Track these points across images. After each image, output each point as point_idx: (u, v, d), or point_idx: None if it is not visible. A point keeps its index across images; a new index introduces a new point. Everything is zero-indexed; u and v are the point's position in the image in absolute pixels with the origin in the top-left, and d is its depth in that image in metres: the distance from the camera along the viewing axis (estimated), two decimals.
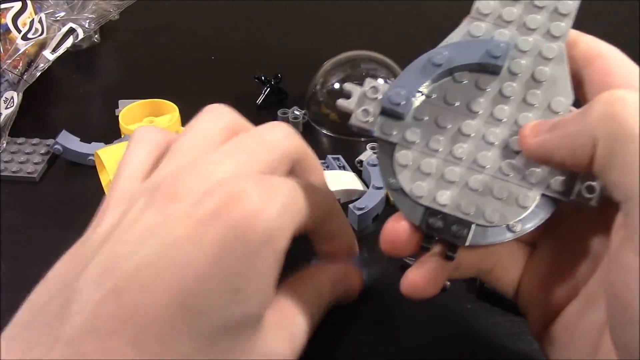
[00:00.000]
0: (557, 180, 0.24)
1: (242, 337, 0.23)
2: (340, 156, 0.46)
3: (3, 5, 0.57)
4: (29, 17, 0.58)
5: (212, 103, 0.29)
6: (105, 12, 0.61)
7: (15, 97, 0.51)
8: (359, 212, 0.40)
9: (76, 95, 0.57)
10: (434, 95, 0.26)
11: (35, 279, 0.24)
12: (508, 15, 0.26)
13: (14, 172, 0.46)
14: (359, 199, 0.41)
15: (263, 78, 0.54)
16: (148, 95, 0.52)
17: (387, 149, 0.26)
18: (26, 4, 0.58)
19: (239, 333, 0.23)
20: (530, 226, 0.25)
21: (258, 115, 0.53)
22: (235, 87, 0.57)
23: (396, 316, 0.35)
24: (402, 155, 0.25)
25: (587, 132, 0.21)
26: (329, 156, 0.46)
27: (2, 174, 0.46)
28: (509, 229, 0.25)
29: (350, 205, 0.40)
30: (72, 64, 0.61)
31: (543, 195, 0.25)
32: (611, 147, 0.20)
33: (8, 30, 0.57)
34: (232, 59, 0.63)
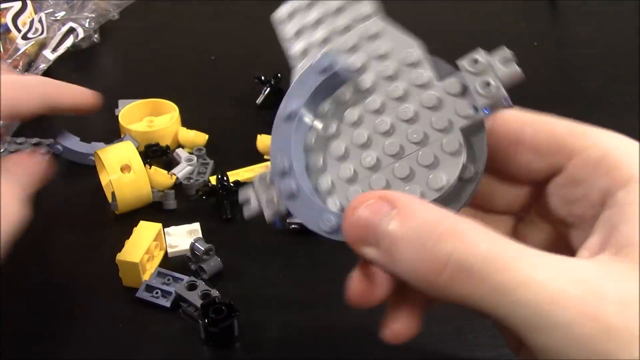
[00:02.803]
0: None
1: None
2: None
3: (3, 5, 0.57)
4: (29, 17, 0.58)
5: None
6: (105, 12, 0.61)
7: None
8: None
9: None
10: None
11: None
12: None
13: None
14: None
15: (263, 78, 0.54)
16: (148, 95, 0.52)
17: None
18: (26, 3, 0.58)
19: None
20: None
21: (258, 115, 0.53)
22: (235, 87, 0.57)
23: None
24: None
25: None
26: None
27: None
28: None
29: None
30: (72, 64, 0.61)
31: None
32: None
33: (8, 30, 0.57)
34: (232, 59, 0.63)
